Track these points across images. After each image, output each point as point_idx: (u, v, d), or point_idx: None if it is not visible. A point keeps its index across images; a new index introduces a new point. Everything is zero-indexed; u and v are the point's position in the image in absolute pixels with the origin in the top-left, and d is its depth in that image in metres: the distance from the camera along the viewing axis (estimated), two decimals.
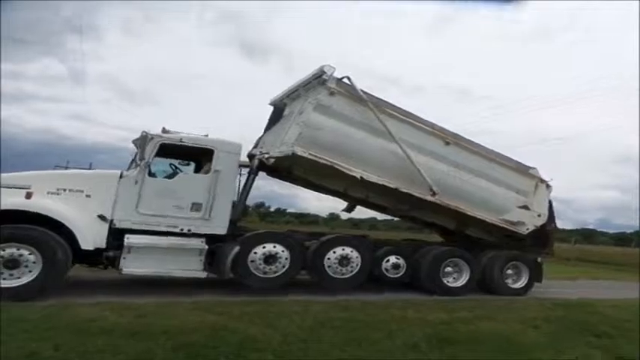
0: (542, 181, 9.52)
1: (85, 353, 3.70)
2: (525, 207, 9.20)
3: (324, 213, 38.41)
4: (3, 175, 6.87)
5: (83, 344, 3.89)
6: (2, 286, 5.71)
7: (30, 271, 5.93)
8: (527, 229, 9.21)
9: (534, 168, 9.60)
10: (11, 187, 6.36)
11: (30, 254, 5.97)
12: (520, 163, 9.49)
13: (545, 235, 9.65)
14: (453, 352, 4.57)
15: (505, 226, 9.20)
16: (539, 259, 9.52)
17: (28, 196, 6.35)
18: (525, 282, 9.22)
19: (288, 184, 9.37)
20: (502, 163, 9.14)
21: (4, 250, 5.86)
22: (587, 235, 54.40)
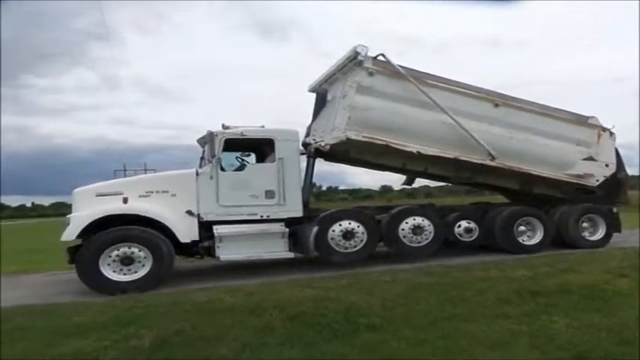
0: (605, 129, 9.30)
1: (219, 329, 4.26)
2: (591, 158, 9.08)
3: (375, 186, 38.64)
4: (96, 185, 7.71)
5: (213, 322, 4.46)
6: (127, 280, 6.51)
7: (143, 266, 6.70)
8: (597, 180, 9.11)
9: (594, 117, 9.35)
10: (106, 195, 7.14)
11: (140, 251, 6.74)
12: (576, 113, 9.28)
13: (617, 185, 9.49)
14: (545, 302, 4.80)
15: (572, 180, 9.13)
16: (614, 209, 9.38)
17: (125, 201, 7.11)
18: (603, 233, 9.15)
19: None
20: (557, 117, 9.01)
21: (118, 250, 6.66)
22: None
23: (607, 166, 9.27)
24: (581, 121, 9.25)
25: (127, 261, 6.64)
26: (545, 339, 3.76)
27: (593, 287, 5.33)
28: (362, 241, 7.87)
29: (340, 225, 7.86)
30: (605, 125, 9.37)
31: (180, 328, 4.25)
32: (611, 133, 9.43)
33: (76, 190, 7.36)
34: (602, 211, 9.28)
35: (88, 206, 6.90)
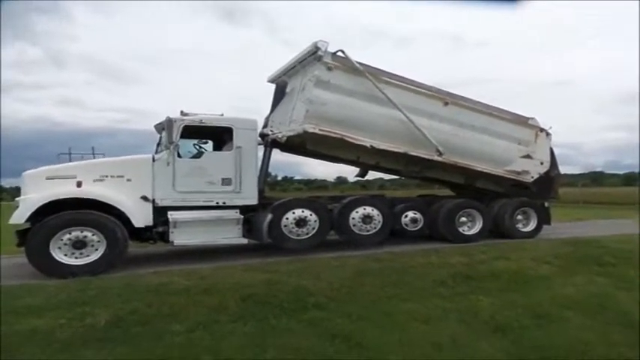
0: (542, 129, 10.05)
1: (173, 307, 4.46)
2: (528, 156, 9.81)
3: (330, 177, 39.20)
4: (47, 167, 7.59)
5: (168, 302, 4.65)
6: (78, 263, 6.50)
7: (96, 250, 6.70)
8: (532, 177, 9.87)
9: (533, 118, 10.08)
10: (58, 178, 7.07)
11: (93, 235, 6.72)
12: (518, 114, 9.97)
13: (550, 181, 10.29)
14: (476, 284, 5.34)
15: (511, 176, 9.85)
16: (545, 204, 10.22)
17: (79, 184, 7.06)
18: (534, 225, 9.95)
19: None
20: (500, 117, 9.63)
21: (70, 234, 6.62)
22: (595, 178, 55.04)
23: (542, 164, 10.06)
24: (521, 121, 9.96)
25: (79, 245, 6.62)
26: (471, 315, 4.25)
27: (518, 272, 5.95)
28: (314, 228, 8.19)
29: (294, 213, 8.15)
30: (542, 126, 10.15)
31: (135, 308, 4.42)
32: (548, 134, 10.22)
33: (26, 172, 7.21)
34: (535, 206, 10.09)
35: (39, 189, 6.79)
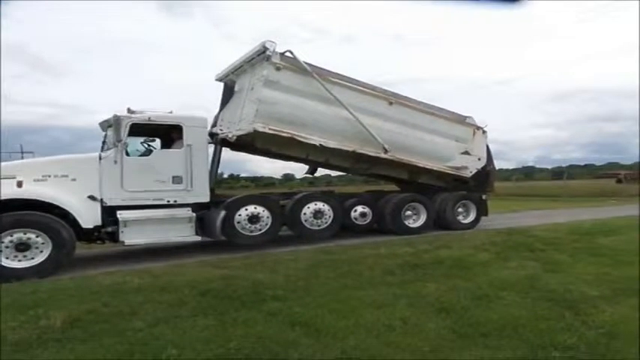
0: (479, 127, 10.81)
1: (131, 305, 4.46)
2: (466, 153, 10.52)
3: (277, 174, 39.22)
4: None
5: (125, 300, 4.64)
6: (22, 266, 6.25)
7: (41, 252, 6.47)
8: (471, 172, 10.58)
9: (470, 117, 10.83)
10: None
11: (37, 237, 6.49)
12: (457, 113, 10.67)
13: (486, 175, 11.08)
14: (421, 272, 5.74)
15: (451, 172, 10.51)
16: (483, 197, 10.99)
17: (20, 185, 6.76)
18: (474, 217, 10.68)
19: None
20: (441, 116, 10.26)
21: (11, 236, 6.35)
22: (527, 173, 59.07)
23: (479, 159, 10.81)
24: (460, 119, 10.65)
25: (23, 247, 6.37)
26: (419, 299, 4.60)
27: (459, 260, 6.44)
28: (267, 224, 8.35)
29: (246, 210, 8.26)
30: (478, 124, 10.89)
31: (92, 308, 4.38)
32: (484, 131, 10.98)
33: None
34: (474, 199, 10.82)
35: None
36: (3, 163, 8.02)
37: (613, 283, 5.04)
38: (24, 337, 3.70)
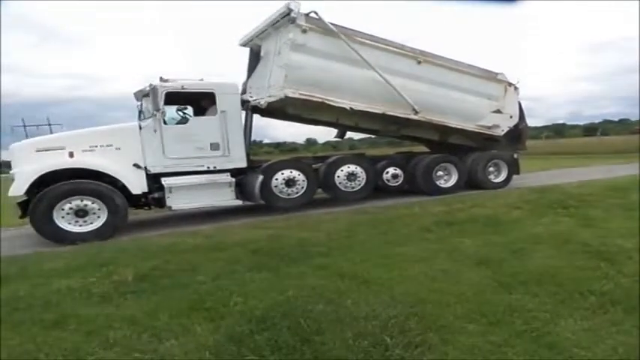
0: (510, 84, 10.61)
1: (191, 262, 4.88)
2: (498, 111, 10.43)
3: (300, 139, 39.39)
4: (34, 139, 7.70)
5: (183, 259, 5.07)
6: (84, 230, 6.80)
7: (98, 217, 7.00)
8: (502, 130, 10.54)
9: (501, 73, 10.62)
10: (48, 150, 7.19)
11: (93, 203, 7.00)
12: (487, 70, 10.46)
13: (519, 134, 11.02)
14: (457, 229, 5.98)
15: (483, 131, 10.49)
16: (515, 156, 10.99)
17: (71, 155, 7.22)
18: (505, 176, 10.74)
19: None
20: (471, 73, 10.09)
21: (70, 203, 6.87)
22: (558, 130, 57.50)
23: (511, 117, 10.72)
24: (491, 76, 10.49)
25: (82, 213, 6.90)
26: (457, 253, 4.86)
27: (493, 217, 6.63)
28: (302, 187, 8.68)
29: (282, 174, 8.58)
30: (510, 80, 10.70)
31: (155, 265, 4.81)
32: (516, 88, 10.80)
33: (14, 145, 7.33)
34: (505, 158, 10.83)
35: (31, 162, 6.91)
36: (52, 136, 8.53)
37: None
38: (104, 290, 4.16)
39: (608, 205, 7.10)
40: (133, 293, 4.07)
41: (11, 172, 7.11)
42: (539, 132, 39.57)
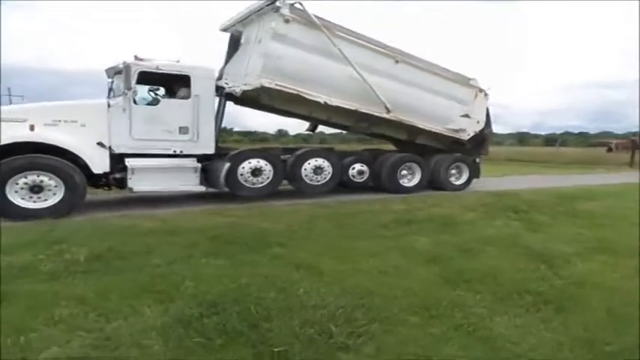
0: (481, 90, 10.88)
1: (147, 245, 4.86)
2: (466, 115, 10.71)
3: (271, 130, 39.26)
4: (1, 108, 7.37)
5: (141, 241, 5.03)
6: (38, 207, 6.60)
7: (54, 194, 6.80)
8: (469, 134, 10.84)
9: (474, 78, 10.88)
10: (10, 122, 6.94)
11: (50, 180, 6.79)
12: (461, 74, 10.68)
13: (483, 139, 11.35)
14: (415, 227, 6.17)
15: (450, 134, 10.75)
16: (477, 160, 11.35)
17: (32, 128, 6.98)
18: (466, 179, 11.07)
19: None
20: (445, 77, 10.28)
21: (26, 178, 6.65)
22: (521, 138, 59.57)
23: (478, 122, 10.98)
24: (464, 81, 10.68)
25: (37, 189, 6.68)
26: (410, 250, 5.04)
27: (449, 217, 6.88)
28: (268, 178, 8.69)
29: (250, 163, 8.56)
30: (481, 87, 10.98)
31: (111, 246, 4.77)
32: (486, 94, 11.08)
33: None
34: (468, 161, 11.17)
35: None
36: (14, 106, 8.20)
37: (587, 242, 5.51)
38: (53, 268, 4.10)
39: (555, 213, 7.48)
40: (84, 273, 4.03)
41: None
42: (504, 139, 40.92)
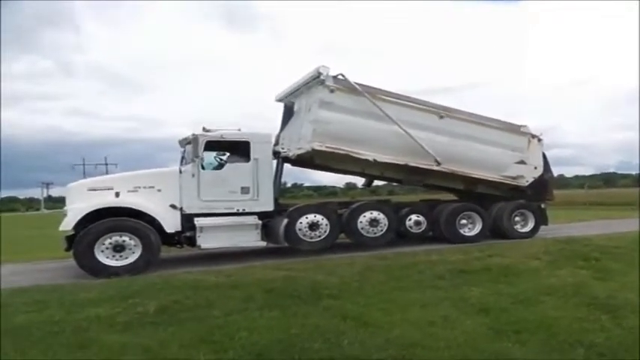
0: (534, 136, 10.78)
1: (208, 299, 5.25)
2: (522, 162, 10.52)
3: (340, 184, 39.86)
4: (88, 180, 8.48)
5: (203, 295, 5.44)
6: (119, 264, 7.36)
7: (133, 253, 7.57)
8: (527, 180, 10.57)
9: (525, 125, 10.80)
10: (98, 190, 7.97)
11: (130, 240, 7.59)
12: (510, 123, 10.68)
13: (544, 184, 10.96)
14: (470, 278, 6.06)
15: (507, 181, 10.56)
16: (542, 205, 10.89)
17: (117, 195, 7.94)
18: (532, 226, 10.61)
19: None
20: (492, 126, 10.36)
21: (111, 238, 7.50)
22: (607, 180, 55.12)
23: (535, 168, 10.75)
24: (513, 129, 10.67)
25: (119, 248, 7.49)
26: (461, 301, 4.98)
27: (509, 267, 6.66)
28: (325, 232, 8.98)
29: (307, 218, 8.95)
30: (534, 133, 10.84)
31: (177, 299, 5.22)
32: (539, 140, 10.91)
33: (70, 184, 8.22)
34: (532, 207, 10.75)
35: (82, 200, 7.69)
36: (102, 177, 9.39)
37: None
38: (127, 319, 4.59)
39: (631, 259, 6.96)
40: (152, 324, 4.46)
41: (65, 208, 7.89)
42: (586, 181, 38.39)
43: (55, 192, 77.69)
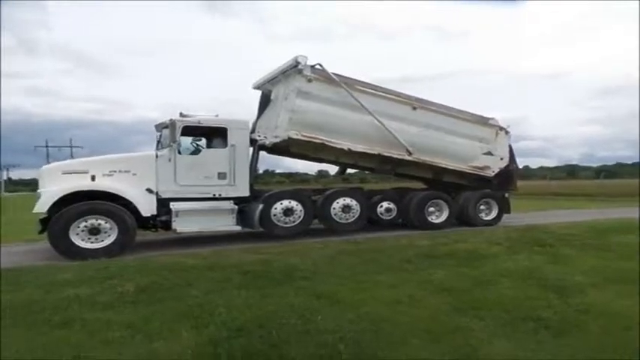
0: (501, 128, 11.31)
1: (187, 279, 5.43)
2: (489, 153, 11.04)
3: (312, 171, 40.20)
4: (62, 163, 8.45)
5: (182, 276, 5.62)
6: (94, 247, 7.42)
7: (109, 236, 7.63)
8: (493, 171, 11.11)
9: (493, 118, 11.33)
10: (73, 173, 7.95)
11: (106, 223, 7.64)
12: (479, 115, 11.17)
13: (509, 175, 11.54)
14: (436, 262, 6.45)
15: (474, 171, 11.07)
16: (505, 195, 11.47)
17: (93, 178, 7.95)
18: (495, 214, 11.20)
19: None
20: (462, 118, 10.83)
21: (86, 221, 7.53)
22: (570, 171, 57.45)
23: (501, 159, 11.30)
24: (482, 121, 11.15)
25: (95, 231, 7.53)
26: (427, 282, 5.35)
27: (471, 252, 7.10)
28: (300, 217, 9.25)
29: (281, 203, 9.18)
30: (501, 125, 11.35)
31: (155, 280, 5.37)
32: (507, 132, 11.44)
33: (44, 167, 8.19)
34: (496, 197, 11.33)
35: (56, 182, 7.66)
36: (77, 160, 9.32)
37: (607, 273, 5.61)
38: (108, 299, 4.73)
39: (583, 245, 7.52)
40: (132, 303, 4.62)
41: (38, 190, 7.83)
42: (550, 172, 39.96)
43: (15, 174, 75.01)
